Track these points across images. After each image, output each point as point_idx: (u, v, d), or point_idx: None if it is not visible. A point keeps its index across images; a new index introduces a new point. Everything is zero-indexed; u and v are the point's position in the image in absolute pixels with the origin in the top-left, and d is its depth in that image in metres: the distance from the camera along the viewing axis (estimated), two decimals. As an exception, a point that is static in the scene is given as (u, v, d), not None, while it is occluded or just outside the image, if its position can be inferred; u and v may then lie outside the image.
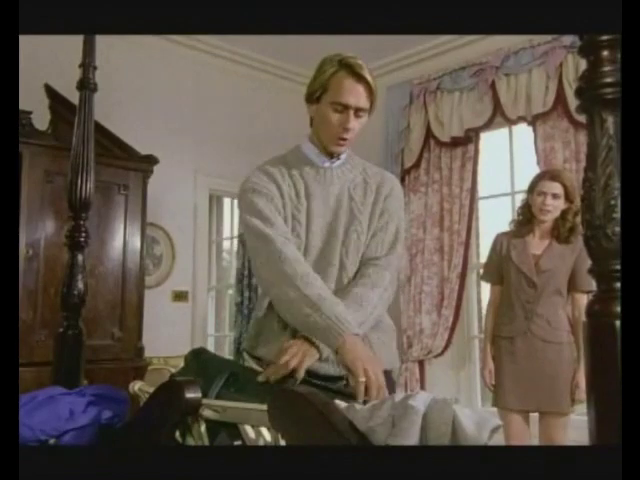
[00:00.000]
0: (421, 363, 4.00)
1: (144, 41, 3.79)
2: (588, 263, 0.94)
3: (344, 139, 1.65)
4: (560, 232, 2.78)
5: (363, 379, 1.36)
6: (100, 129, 3.01)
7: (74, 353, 2.05)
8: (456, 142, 4.04)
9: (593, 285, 1.02)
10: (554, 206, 2.75)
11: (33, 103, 3.27)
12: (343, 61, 1.62)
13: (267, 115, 4.54)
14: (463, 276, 3.93)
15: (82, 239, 2.07)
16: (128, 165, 3.52)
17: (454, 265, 3.95)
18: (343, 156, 1.74)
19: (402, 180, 4.26)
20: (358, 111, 1.62)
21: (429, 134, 4.19)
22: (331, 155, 1.71)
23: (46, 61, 3.46)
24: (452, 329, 3.93)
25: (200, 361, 1.50)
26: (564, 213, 2.77)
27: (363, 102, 1.62)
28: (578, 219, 2.76)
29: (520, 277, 2.76)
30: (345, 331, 1.43)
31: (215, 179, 4.29)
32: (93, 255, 3.21)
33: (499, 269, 2.87)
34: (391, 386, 1.60)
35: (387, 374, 1.55)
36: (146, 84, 3.98)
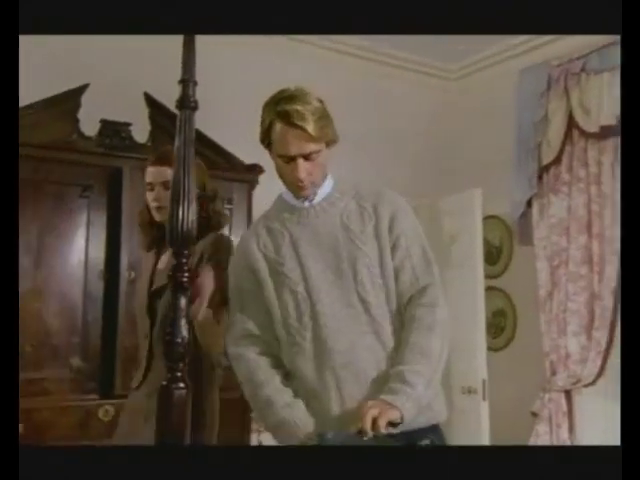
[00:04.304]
0: (568, 393, 3.44)
1: (246, 40, 3.46)
2: None
3: (304, 185, 1.61)
4: None
5: None
6: (200, 137, 2.74)
7: (178, 411, 1.78)
8: (606, 132, 3.40)
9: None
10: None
11: (132, 114, 3.08)
12: (279, 107, 1.57)
13: (383, 114, 4.12)
14: (618, 292, 3.31)
15: (185, 279, 1.78)
16: (232, 176, 3.23)
17: (606, 278, 3.34)
18: (324, 189, 1.68)
19: (540, 178, 3.71)
20: (308, 156, 1.58)
21: (572, 124, 3.58)
22: (305, 197, 1.66)
23: (145, 71, 3.25)
24: (606, 354, 3.32)
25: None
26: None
27: (308, 148, 1.57)
28: (212, 207, 2.17)
29: None
30: (298, 432, 1.54)
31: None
32: (197, 277, 2.96)
33: None
34: (442, 441, 1.59)
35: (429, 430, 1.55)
36: (251, 85, 3.66)
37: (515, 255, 3.96)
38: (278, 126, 1.57)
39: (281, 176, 1.65)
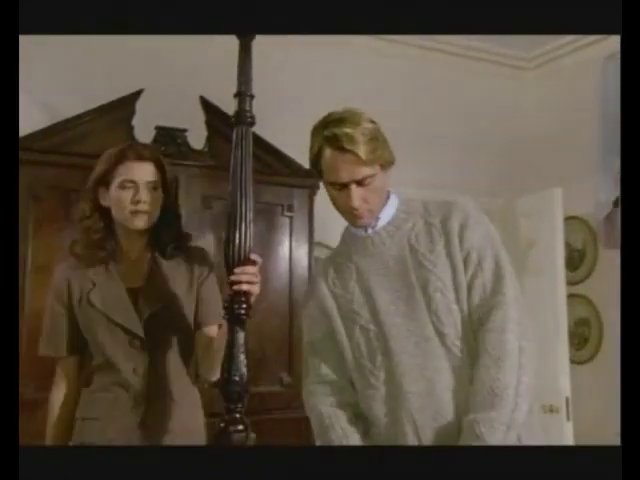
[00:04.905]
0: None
1: (304, 39, 3.30)
2: None
3: (359, 213, 1.49)
4: None
5: None
6: (258, 141, 2.60)
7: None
8: None
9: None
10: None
11: (188, 120, 2.98)
12: (327, 132, 1.46)
13: (454, 108, 3.88)
14: None
15: (243, 311, 1.62)
16: (292, 182, 3.10)
17: None
18: (388, 211, 1.55)
19: (627, 176, 3.39)
20: (361, 181, 1.45)
21: (665, 115, 3.25)
22: (363, 225, 1.55)
23: (200, 74, 3.15)
24: None
25: None
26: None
27: (361, 173, 1.45)
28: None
29: None
30: None
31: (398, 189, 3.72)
32: (256, 289, 2.84)
33: None
34: None
35: None
36: (312, 85, 3.53)
37: (600, 259, 3.66)
38: (327, 152, 1.47)
39: (335, 205, 1.54)
